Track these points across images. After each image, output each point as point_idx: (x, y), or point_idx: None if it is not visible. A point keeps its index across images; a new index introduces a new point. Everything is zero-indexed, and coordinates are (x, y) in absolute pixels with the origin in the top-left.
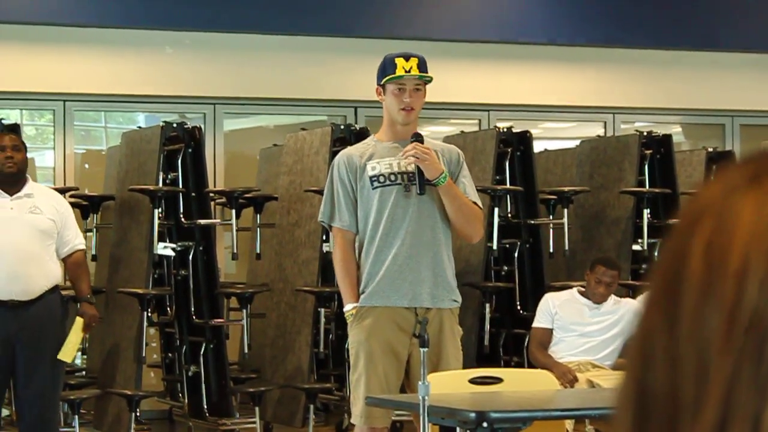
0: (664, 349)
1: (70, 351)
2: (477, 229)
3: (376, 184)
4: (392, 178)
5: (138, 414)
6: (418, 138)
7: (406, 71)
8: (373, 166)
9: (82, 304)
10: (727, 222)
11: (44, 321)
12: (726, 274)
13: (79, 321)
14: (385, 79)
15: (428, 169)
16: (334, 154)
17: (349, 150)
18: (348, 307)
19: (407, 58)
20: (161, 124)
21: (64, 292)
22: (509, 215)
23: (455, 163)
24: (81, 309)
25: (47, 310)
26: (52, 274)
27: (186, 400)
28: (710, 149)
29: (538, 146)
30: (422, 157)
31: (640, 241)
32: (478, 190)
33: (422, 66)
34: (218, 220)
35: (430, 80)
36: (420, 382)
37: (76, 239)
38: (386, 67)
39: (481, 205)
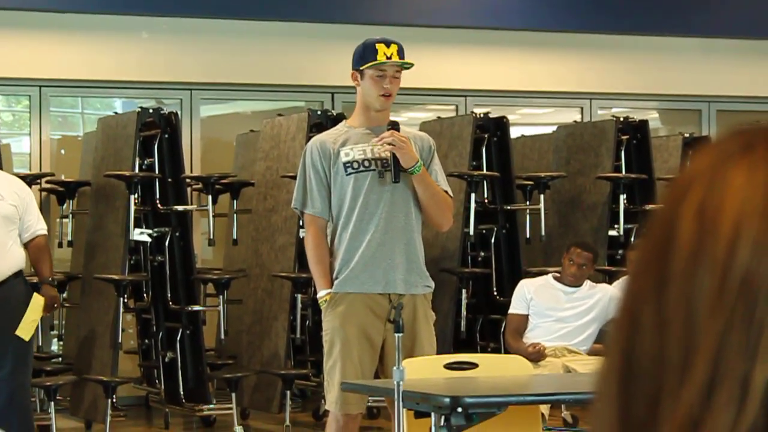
0: (653, 313)
1: (28, 328)
2: (447, 218)
3: (350, 170)
4: (366, 164)
5: (114, 400)
6: (395, 126)
7: (387, 57)
8: (346, 152)
9: (44, 285)
10: (719, 186)
11: (10, 305)
12: (718, 237)
13: (38, 299)
14: (367, 65)
15: (404, 157)
16: (310, 139)
17: (322, 136)
18: (321, 294)
19: (387, 44)
20: (137, 109)
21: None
22: (486, 201)
23: (427, 150)
24: (42, 291)
25: (12, 294)
26: (16, 259)
27: (162, 386)
28: (687, 135)
29: (514, 132)
30: (399, 145)
31: (616, 226)
32: (454, 176)
33: (401, 52)
34: (195, 206)
35: (411, 66)
36: (395, 368)
37: (38, 224)
38: (366, 53)
39: (451, 194)
